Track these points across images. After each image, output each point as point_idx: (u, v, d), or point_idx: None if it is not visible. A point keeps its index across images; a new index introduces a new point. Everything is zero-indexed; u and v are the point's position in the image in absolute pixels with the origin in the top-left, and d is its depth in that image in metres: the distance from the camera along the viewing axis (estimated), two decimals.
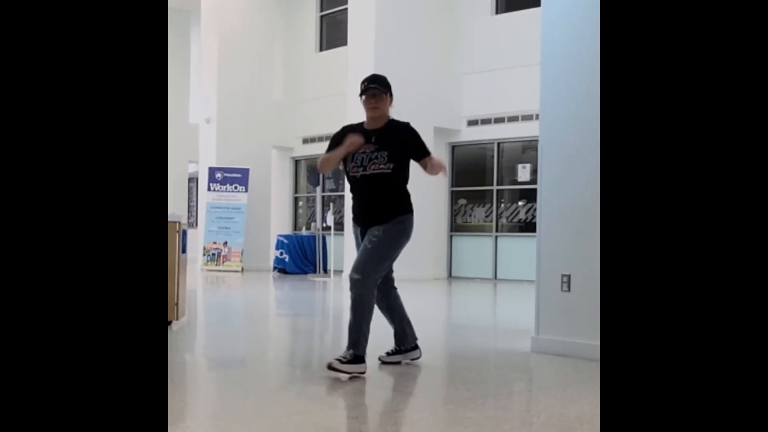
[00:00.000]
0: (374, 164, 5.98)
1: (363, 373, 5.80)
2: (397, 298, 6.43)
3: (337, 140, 6.17)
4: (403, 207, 6.11)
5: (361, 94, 6.12)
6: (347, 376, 5.73)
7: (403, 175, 6.14)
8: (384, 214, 6.04)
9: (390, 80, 6.20)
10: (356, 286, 5.89)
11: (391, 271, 6.34)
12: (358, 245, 6.21)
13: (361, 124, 6.22)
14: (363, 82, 6.16)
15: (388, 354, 6.40)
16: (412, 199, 6.14)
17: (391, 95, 6.18)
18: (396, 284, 6.46)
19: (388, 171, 5.97)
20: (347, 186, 6.39)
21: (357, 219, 6.25)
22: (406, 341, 6.41)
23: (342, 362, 5.76)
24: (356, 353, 5.81)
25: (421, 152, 6.09)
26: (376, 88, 6.08)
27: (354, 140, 5.97)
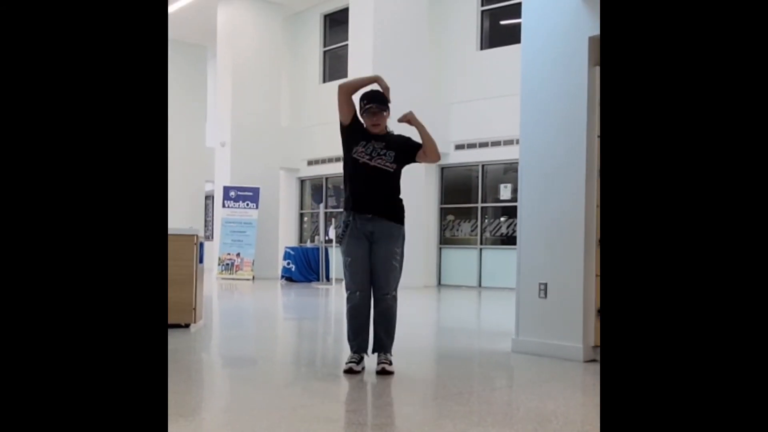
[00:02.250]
0: (381, 159, 5.86)
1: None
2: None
3: (349, 131, 6.01)
4: (402, 215, 6.05)
5: (361, 113, 5.99)
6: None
7: (398, 180, 6.02)
8: (393, 210, 5.98)
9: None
10: (394, 300, 5.95)
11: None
12: (362, 252, 5.93)
13: (364, 127, 6.02)
14: (362, 100, 5.98)
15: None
16: (406, 215, 6.10)
17: (388, 108, 6.03)
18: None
19: (390, 170, 5.88)
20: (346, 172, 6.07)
21: (365, 207, 5.91)
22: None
23: (391, 363, 5.91)
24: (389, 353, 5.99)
25: (415, 146, 6.00)
26: (375, 107, 5.94)
27: (383, 81, 5.97)
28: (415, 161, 6.07)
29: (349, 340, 6.07)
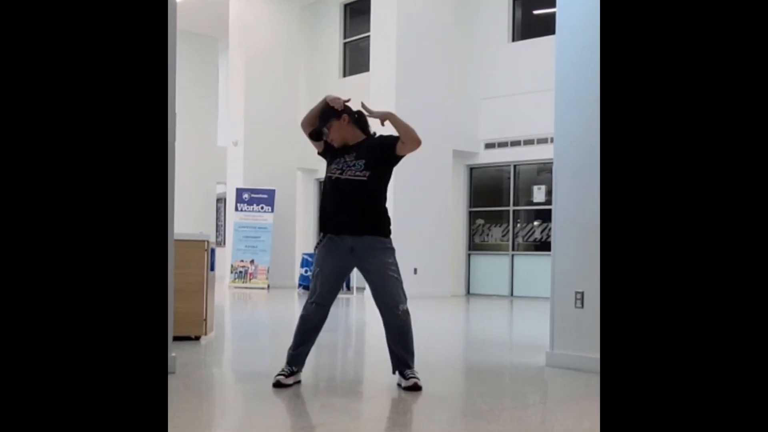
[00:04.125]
0: (351, 170, 5.82)
1: None
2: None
3: (326, 157, 6.12)
4: (388, 228, 5.95)
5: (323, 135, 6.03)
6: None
7: (379, 186, 5.92)
8: (370, 223, 5.88)
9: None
10: (406, 314, 5.88)
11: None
12: (334, 264, 5.94)
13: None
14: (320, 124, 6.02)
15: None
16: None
17: (337, 117, 5.99)
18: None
19: (364, 178, 5.80)
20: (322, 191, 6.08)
21: (339, 226, 5.88)
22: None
23: (418, 378, 5.88)
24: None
25: (391, 139, 5.93)
26: (320, 125, 6.00)
27: (335, 101, 5.94)
28: (396, 156, 5.96)
29: (289, 349, 6.04)
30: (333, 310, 6.08)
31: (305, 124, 6.09)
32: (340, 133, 5.98)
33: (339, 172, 5.86)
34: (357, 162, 5.85)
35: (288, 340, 6.01)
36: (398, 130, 5.90)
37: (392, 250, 5.95)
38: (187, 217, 22.61)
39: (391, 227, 5.97)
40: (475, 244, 19.72)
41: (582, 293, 6.90)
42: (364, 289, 17.39)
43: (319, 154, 6.22)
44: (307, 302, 5.99)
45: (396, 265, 5.92)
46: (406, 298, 5.91)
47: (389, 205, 6.05)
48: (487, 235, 19.65)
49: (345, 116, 5.98)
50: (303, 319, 5.98)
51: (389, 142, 5.96)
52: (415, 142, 5.90)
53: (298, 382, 5.96)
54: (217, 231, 27.47)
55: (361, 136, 6.04)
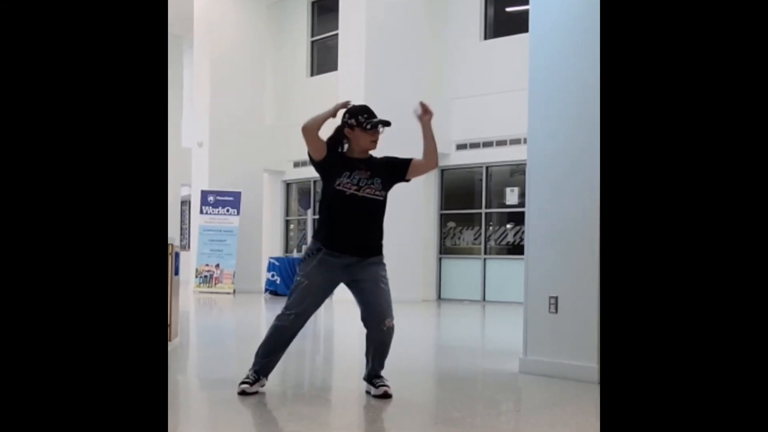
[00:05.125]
0: (370, 188, 5.67)
1: None
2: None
3: (326, 166, 5.82)
4: (380, 247, 5.87)
5: (369, 127, 5.77)
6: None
7: (385, 210, 5.85)
8: (377, 245, 5.83)
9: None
10: (391, 330, 5.80)
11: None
12: (324, 280, 5.83)
13: (343, 153, 5.89)
14: (361, 114, 5.79)
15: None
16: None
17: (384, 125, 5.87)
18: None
19: (381, 199, 5.73)
20: (326, 206, 5.90)
21: (349, 247, 5.75)
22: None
23: (388, 386, 5.85)
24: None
25: (403, 162, 5.87)
26: (379, 124, 5.78)
27: (345, 102, 5.77)
28: (404, 180, 5.92)
29: (257, 356, 5.92)
30: None
31: (313, 129, 5.69)
32: (371, 145, 5.84)
33: (355, 188, 5.68)
34: (374, 180, 5.73)
35: (254, 346, 5.98)
36: (429, 147, 5.86)
37: (385, 264, 5.90)
38: None
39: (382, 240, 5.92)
40: (447, 248, 19.73)
41: (556, 298, 6.92)
42: (331, 296, 17.37)
43: (314, 161, 5.86)
44: (284, 312, 5.81)
45: (387, 279, 5.86)
46: (392, 313, 5.84)
47: None
48: (459, 238, 19.67)
49: (381, 129, 5.82)
50: (277, 329, 5.85)
51: (402, 165, 5.89)
52: (435, 163, 5.96)
53: (262, 386, 5.91)
54: (181, 234, 27.39)
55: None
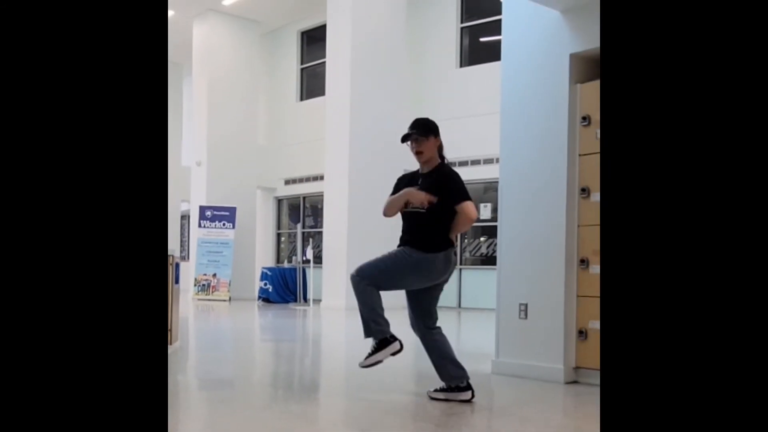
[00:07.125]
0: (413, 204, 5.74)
1: (397, 352, 5.78)
2: (436, 339, 6.27)
3: (397, 187, 5.97)
4: (424, 245, 5.78)
5: (402, 141, 5.92)
6: (382, 360, 5.70)
7: (436, 217, 5.73)
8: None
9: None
10: (352, 281, 5.74)
11: (429, 316, 6.36)
12: (421, 278, 6.04)
13: (416, 171, 6.01)
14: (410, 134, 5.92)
15: (435, 390, 6.09)
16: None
17: (435, 136, 5.96)
18: (437, 324, 6.40)
19: (422, 211, 5.70)
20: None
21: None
22: (452, 379, 6.01)
23: (370, 355, 5.68)
24: (375, 338, 5.74)
25: (453, 197, 5.72)
26: (414, 134, 5.85)
27: (413, 196, 5.72)
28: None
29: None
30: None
31: (389, 212, 5.97)
32: (426, 152, 5.94)
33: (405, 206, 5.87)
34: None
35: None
36: (456, 230, 5.89)
37: (410, 253, 5.88)
38: None
39: (427, 243, 5.86)
40: None
41: (526, 305, 6.95)
42: (320, 301, 17.36)
43: None
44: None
45: (393, 254, 5.92)
46: (369, 273, 5.82)
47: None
48: None
49: (408, 143, 5.95)
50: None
51: (450, 197, 5.77)
52: (466, 227, 5.96)
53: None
54: (181, 246, 27.32)
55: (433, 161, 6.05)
